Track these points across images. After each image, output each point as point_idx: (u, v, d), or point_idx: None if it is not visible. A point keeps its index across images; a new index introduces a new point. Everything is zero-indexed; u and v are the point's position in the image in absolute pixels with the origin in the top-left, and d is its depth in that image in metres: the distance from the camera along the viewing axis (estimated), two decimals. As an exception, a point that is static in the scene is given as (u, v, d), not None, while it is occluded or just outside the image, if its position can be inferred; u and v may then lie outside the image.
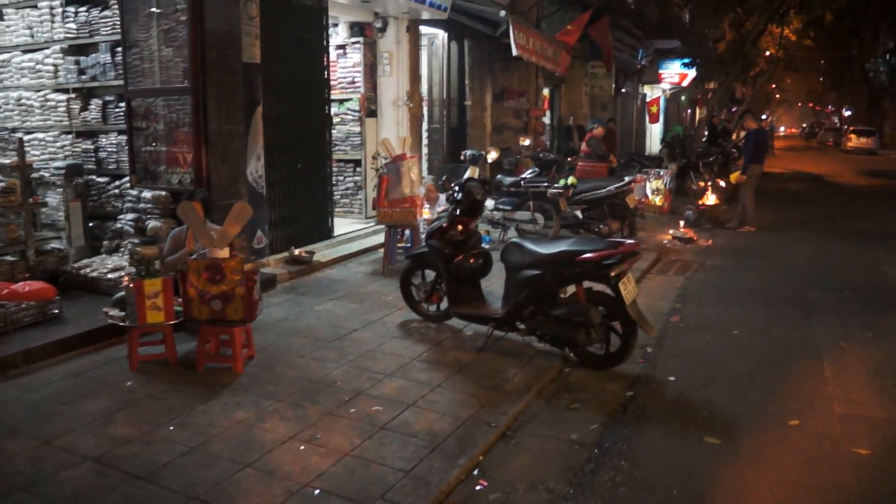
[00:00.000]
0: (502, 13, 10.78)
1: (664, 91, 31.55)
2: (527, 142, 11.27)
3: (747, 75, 29.65)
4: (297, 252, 8.40)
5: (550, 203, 9.70)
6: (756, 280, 8.51)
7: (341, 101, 11.02)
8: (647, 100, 29.71)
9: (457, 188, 5.95)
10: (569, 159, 16.93)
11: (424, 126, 13.34)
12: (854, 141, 40.02)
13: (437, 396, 4.81)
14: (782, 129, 78.79)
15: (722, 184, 15.04)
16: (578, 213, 9.96)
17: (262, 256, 8.10)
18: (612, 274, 4.97)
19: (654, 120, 29.20)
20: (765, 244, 10.92)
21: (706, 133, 26.29)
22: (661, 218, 13.26)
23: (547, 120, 19.26)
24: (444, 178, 11.15)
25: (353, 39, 10.77)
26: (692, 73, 23.07)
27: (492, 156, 6.34)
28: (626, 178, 9.93)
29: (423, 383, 5.03)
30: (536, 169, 10.62)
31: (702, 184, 16.76)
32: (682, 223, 11.53)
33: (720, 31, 23.38)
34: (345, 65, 10.94)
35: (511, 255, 5.52)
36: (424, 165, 13.32)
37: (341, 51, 10.94)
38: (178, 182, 7.57)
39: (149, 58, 7.53)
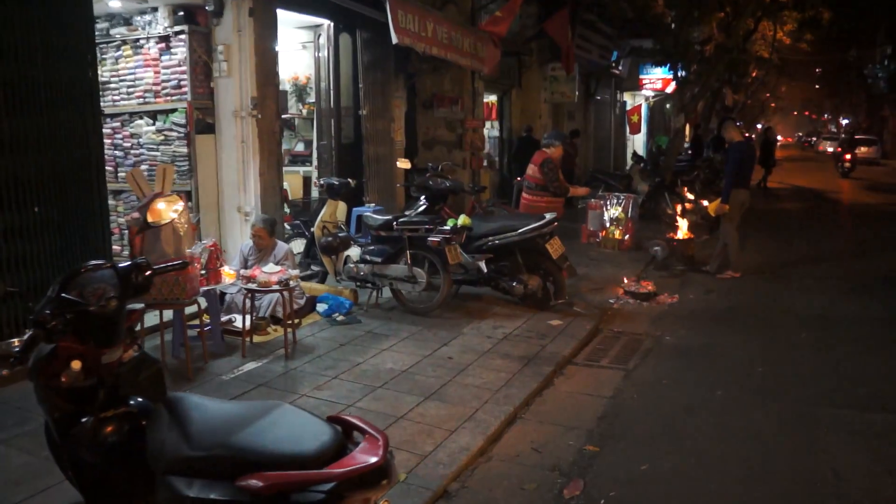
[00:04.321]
0: (371, -18, 7.75)
1: (647, 98, 28.57)
2: (404, 164, 8.18)
3: (737, 80, 26.85)
4: (15, 343, 5.35)
5: (435, 253, 6.67)
6: (733, 378, 5.45)
7: (167, 113, 8.03)
8: (628, 108, 26.74)
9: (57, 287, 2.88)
10: (517, 179, 13.94)
11: (314, 143, 10.37)
12: (863, 153, 37.04)
13: None
14: (779, 137, 75.71)
15: (705, 203, 11.86)
16: (482, 265, 6.93)
17: (-58, 356, 5.06)
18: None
19: (636, 130, 26.11)
20: (751, 302, 7.86)
21: (689, 145, 23.43)
22: (619, 257, 10.24)
23: (496, 132, 16.27)
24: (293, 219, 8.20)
25: (178, 28, 7.78)
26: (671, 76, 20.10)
27: (160, 209, 3.14)
28: (547, 216, 6.88)
29: None
30: (424, 202, 7.59)
31: (678, 207, 13.81)
32: (624, 281, 8.45)
33: (706, 33, 20.51)
34: (169, 63, 7.94)
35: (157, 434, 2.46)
36: (316, 193, 10.31)
37: (163, 45, 7.96)
38: None
39: None
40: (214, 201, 8.14)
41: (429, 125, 13.10)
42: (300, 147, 11.24)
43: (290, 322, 6.04)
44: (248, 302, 5.97)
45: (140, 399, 2.97)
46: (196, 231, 5.53)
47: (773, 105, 58.16)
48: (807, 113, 75.51)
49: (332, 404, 4.72)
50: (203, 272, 5.72)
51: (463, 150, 13.15)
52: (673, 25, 17.49)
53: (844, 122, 61.34)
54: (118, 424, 2.83)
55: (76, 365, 2.78)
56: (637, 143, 27.85)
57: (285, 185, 9.96)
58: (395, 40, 7.92)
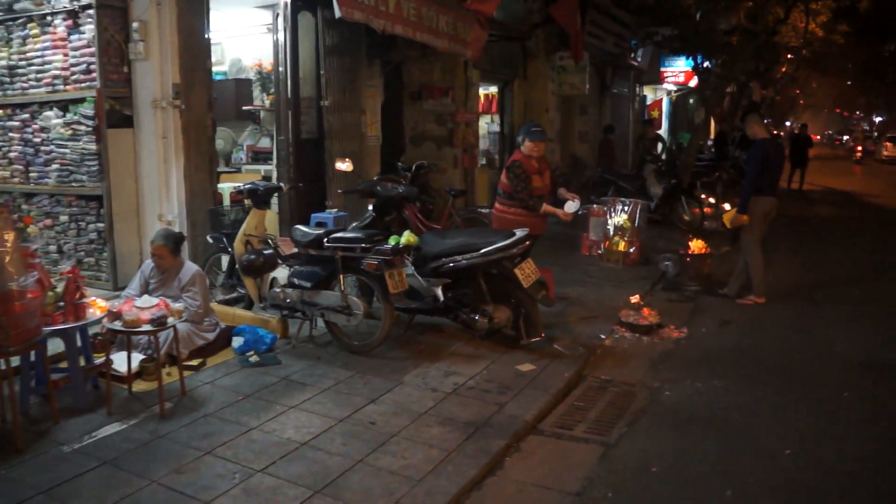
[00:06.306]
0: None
1: (669, 93, 26.92)
2: (344, 165, 6.82)
3: (765, 73, 25.18)
4: None
5: (374, 279, 5.33)
6: (749, 464, 4.02)
7: (78, 103, 6.77)
8: (648, 103, 25.17)
9: None
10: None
11: (274, 139, 9.05)
12: (890, 149, 35.46)
13: None
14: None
15: (727, 208, 10.22)
16: (438, 292, 5.57)
17: None
18: None
19: (656, 127, 24.64)
20: (778, 339, 6.37)
21: (712, 143, 21.88)
22: (622, 274, 8.80)
23: (496, 127, 14.85)
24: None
25: (86, 2, 6.51)
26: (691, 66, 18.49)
27: None
28: (517, 234, 5.49)
29: None
30: (371, 212, 6.22)
31: (697, 211, 12.36)
32: (633, 300, 7.02)
33: (733, 22, 18.94)
34: (78, 44, 6.67)
35: None
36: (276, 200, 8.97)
37: (71, 22, 6.69)
38: None
39: None
40: (133, 208, 6.88)
41: (417, 119, 11.76)
42: (265, 142, 9.94)
43: (177, 366, 4.75)
44: (124, 342, 4.68)
45: None
46: (28, 257, 4.22)
47: (801, 102, 56.00)
48: (838, 110, 72.82)
49: (184, 499, 3.40)
50: (61, 304, 4.45)
51: (454, 147, 11.78)
52: (696, 13, 15.92)
53: (878, 119, 59.10)
54: None
55: None
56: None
57: (239, 186, 8.67)
58: (338, 14, 6.55)
